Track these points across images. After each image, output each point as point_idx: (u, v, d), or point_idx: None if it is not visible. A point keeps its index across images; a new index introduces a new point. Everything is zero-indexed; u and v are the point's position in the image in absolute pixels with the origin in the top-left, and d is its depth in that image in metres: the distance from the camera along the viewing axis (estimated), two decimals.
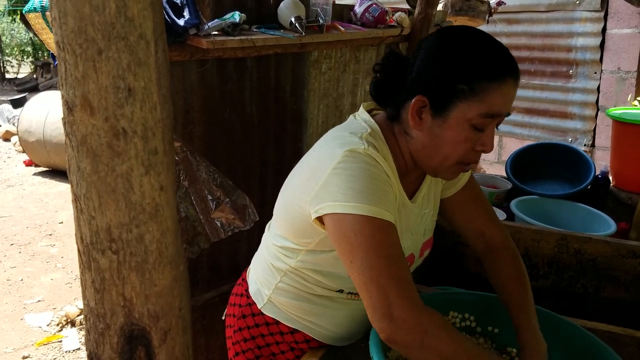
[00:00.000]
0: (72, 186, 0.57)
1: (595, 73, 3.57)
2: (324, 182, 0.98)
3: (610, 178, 2.28)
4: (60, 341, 3.13)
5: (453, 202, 1.27)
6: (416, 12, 2.62)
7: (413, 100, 1.02)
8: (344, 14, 2.53)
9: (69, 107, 0.53)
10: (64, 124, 0.55)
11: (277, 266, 1.19)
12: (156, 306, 0.59)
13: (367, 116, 1.11)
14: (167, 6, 1.87)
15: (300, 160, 1.15)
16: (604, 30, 3.47)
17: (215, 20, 1.96)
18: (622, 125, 2.25)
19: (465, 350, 0.93)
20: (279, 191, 1.23)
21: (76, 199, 0.57)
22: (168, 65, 0.56)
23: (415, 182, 1.17)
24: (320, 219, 1.01)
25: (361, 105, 1.16)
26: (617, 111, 2.35)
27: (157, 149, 0.55)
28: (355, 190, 0.95)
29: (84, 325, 3.21)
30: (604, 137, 3.56)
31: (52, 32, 1.80)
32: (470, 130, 1.01)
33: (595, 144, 3.65)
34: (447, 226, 1.90)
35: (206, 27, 1.90)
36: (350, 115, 1.16)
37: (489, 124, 1.02)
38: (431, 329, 0.92)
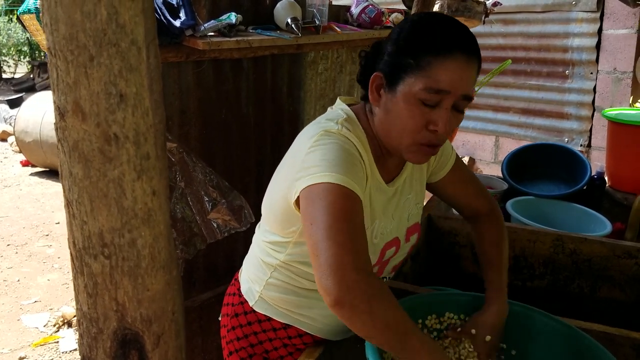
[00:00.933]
0: (64, 191, 0.57)
1: (592, 73, 3.58)
2: (301, 162, 1.01)
3: (606, 179, 2.29)
4: (57, 342, 3.13)
5: (442, 184, 1.32)
6: (412, 12, 2.62)
7: (371, 77, 1.08)
8: (340, 15, 2.54)
9: (60, 112, 0.53)
10: (56, 129, 0.55)
11: (267, 262, 1.20)
12: (149, 310, 0.59)
13: (343, 105, 1.16)
14: (163, 7, 1.87)
15: (285, 154, 1.18)
16: (599, 30, 3.48)
17: (211, 21, 1.96)
18: (617, 126, 2.26)
19: (408, 321, 0.92)
20: None
21: (68, 204, 0.57)
22: (160, 71, 0.56)
23: (396, 168, 1.20)
24: (298, 202, 1.02)
25: (337, 98, 1.20)
26: (613, 112, 2.36)
27: (149, 154, 0.55)
28: (326, 161, 0.98)
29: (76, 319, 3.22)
30: (600, 137, 3.57)
31: None
32: (418, 105, 1.02)
33: (592, 144, 3.66)
34: (443, 227, 1.91)
35: (202, 28, 1.90)
36: (329, 108, 1.20)
37: (438, 101, 1.02)
38: (380, 295, 0.90)
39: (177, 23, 1.86)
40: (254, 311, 1.25)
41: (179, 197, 2.03)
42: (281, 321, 1.23)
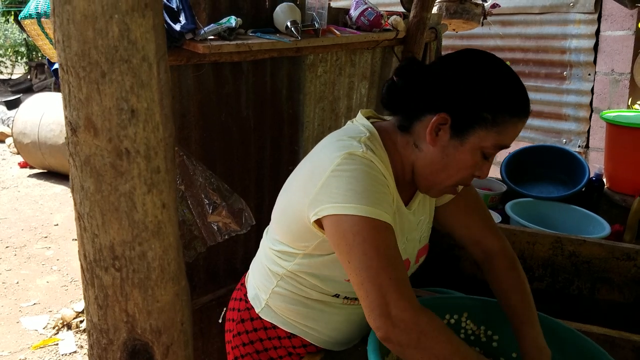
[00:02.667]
0: (75, 205, 0.58)
1: (589, 75, 3.59)
2: (322, 184, 0.99)
3: (605, 180, 2.30)
4: (57, 344, 3.13)
5: (447, 210, 1.28)
6: (411, 15, 2.63)
7: (436, 117, 1.04)
8: (339, 17, 2.54)
9: (72, 128, 0.54)
10: (68, 144, 0.56)
11: (274, 270, 1.20)
12: (158, 321, 0.60)
13: (365, 122, 1.13)
14: (163, 11, 1.87)
15: (298, 165, 1.16)
16: (597, 32, 3.49)
17: (211, 24, 1.97)
18: (616, 128, 2.27)
19: (460, 353, 0.94)
20: (275, 195, 1.24)
21: (79, 217, 0.58)
22: (170, 86, 0.57)
23: (410, 189, 1.19)
24: (319, 222, 1.02)
25: (359, 112, 1.17)
26: (611, 114, 2.37)
27: (159, 168, 0.56)
28: (354, 191, 0.96)
29: (80, 328, 3.21)
30: (598, 138, 3.58)
31: (47, 38, 1.80)
32: (480, 157, 1.05)
33: (590, 145, 3.67)
34: (442, 229, 1.92)
35: (202, 31, 1.90)
36: (348, 121, 1.17)
37: (494, 154, 1.07)
38: (428, 330, 0.92)
39: (178, 27, 1.86)
40: (260, 318, 1.25)
41: (180, 200, 2.03)
42: (286, 330, 1.23)
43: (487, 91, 1.03)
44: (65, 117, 0.54)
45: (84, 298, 0.61)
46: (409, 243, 1.18)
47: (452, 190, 1.12)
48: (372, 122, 1.14)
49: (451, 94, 1.04)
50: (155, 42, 0.53)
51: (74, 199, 0.57)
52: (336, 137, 1.09)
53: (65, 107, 0.54)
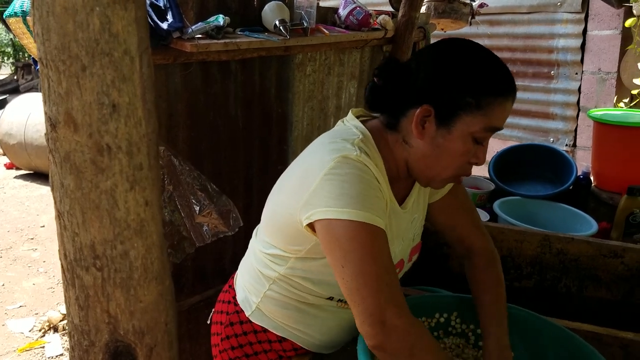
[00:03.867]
0: (55, 203, 0.56)
1: (577, 74, 3.61)
2: (315, 188, 0.98)
3: (592, 178, 2.31)
4: (43, 347, 3.09)
5: (437, 207, 1.28)
6: (400, 14, 2.63)
7: (419, 110, 1.03)
8: (328, 17, 2.53)
9: (52, 123, 0.53)
10: (47, 140, 0.55)
11: (266, 274, 1.18)
12: (141, 322, 0.59)
13: (357, 122, 1.11)
14: (150, 10, 1.85)
15: (289, 167, 1.15)
16: (584, 31, 3.51)
17: (199, 23, 1.95)
18: (603, 127, 2.29)
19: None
20: (264, 195, 1.21)
21: (59, 216, 0.56)
22: (153, 80, 0.56)
23: (405, 188, 1.18)
24: (311, 226, 1.00)
25: (350, 111, 1.15)
26: (598, 112, 2.38)
27: (142, 165, 0.54)
28: (347, 195, 0.95)
29: (67, 331, 3.17)
30: (585, 137, 3.61)
31: (33, 36, 1.77)
32: (471, 143, 1.04)
33: (577, 144, 3.70)
34: (431, 227, 1.91)
35: (190, 30, 1.89)
36: (339, 121, 1.16)
37: (486, 138, 1.05)
38: (420, 340, 0.93)
39: (165, 25, 1.84)
40: (250, 321, 1.23)
41: (167, 201, 2.01)
42: (277, 334, 1.21)
43: (465, 75, 1.01)
44: (45, 113, 0.53)
45: (65, 299, 0.60)
46: (405, 243, 1.18)
47: (455, 180, 1.11)
48: (363, 121, 1.13)
49: (430, 84, 1.03)
50: (138, 35, 0.52)
51: (53, 197, 0.56)
52: (328, 139, 1.07)
53: (44, 102, 0.53)
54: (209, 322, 1.38)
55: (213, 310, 1.38)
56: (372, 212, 0.95)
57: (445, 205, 1.27)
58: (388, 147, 1.10)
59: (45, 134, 0.55)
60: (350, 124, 1.12)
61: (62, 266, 0.60)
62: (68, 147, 0.53)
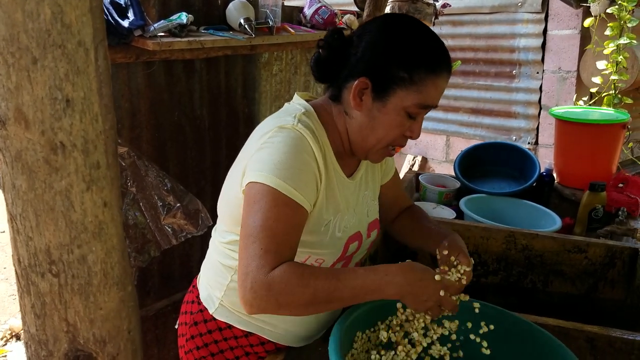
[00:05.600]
0: (7, 205, 0.53)
1: (538, 73, 3.69)
2: (251, 157, 1.03)
3: (555, 175, 2.36)
4: (5, 356, 2.98)
5: (386, 186, 1.36)
6: (365, 14, 2.64)
7: (356, 82, 1.06)
8: (293, 16, 2.52)
9: (1, 120, 0.49)
10: None
11: (228, 264, 1.17)
12: (102, 330, 0.56)
13: (301, 100, 1.15)
14: (110, 7, 1.80)
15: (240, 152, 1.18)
16: (545, 31, 3.59)
17: (162, 21, 1.91)
18: (564, 124, 2.33)
19: (323, 287, 0.94)
20: None
21: (12, 219, 0.52)
22: (110, 73, 0.53)
23: (355, 164, 1.22)
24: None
25: (295, 94, 1.19)
26: (560, 110, 2.43)
27: (99, 163, 0.51)
28: (272, 162, 0.99)
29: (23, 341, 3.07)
30: (547, 135, 3.69)
31: None
32: (405, 117, 1.07)
33: (539, 142, 3.78)
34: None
35: (152, 28, 1.84)
36: (285, 103, 1.19)
37: (420, 114, 1.09)
38: (281, 288, 0.92)
39: (126, 23, 1.79)
40: (214, 319, 1.21)
41: (131, 203, 1.96)
42: (242, 329, 1.20)
43: (399, 50, 1.05)
44: None
45: (20, 307, 0.56)
46: (358, 216, 1.20)
47: (387, 151, 1.14)
48: (308, 101, 1.16)
49: (367, 57, 1.06)
50: (93, 26, 0.49)
51: (5, 199, 0.52)
52: (272, 116, 1.13)
53: None
54: (176, 326, 1.35)
55: (179, 313, 1.35)
56: (288, 183, 0.98)
57: (392, 183, 1.36)
58: (332, 120, 1.14)
59: None
60: (294, 103, 1.16)
61: (16, 272, 0.56)
62: (19, 145, 0.50)
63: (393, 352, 1.12)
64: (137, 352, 0.60)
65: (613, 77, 3.11)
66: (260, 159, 1.01)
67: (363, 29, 1.11)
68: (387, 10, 2.90)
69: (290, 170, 0.99)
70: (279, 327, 1.19)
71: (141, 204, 1.97)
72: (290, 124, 1.04)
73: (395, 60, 1.04)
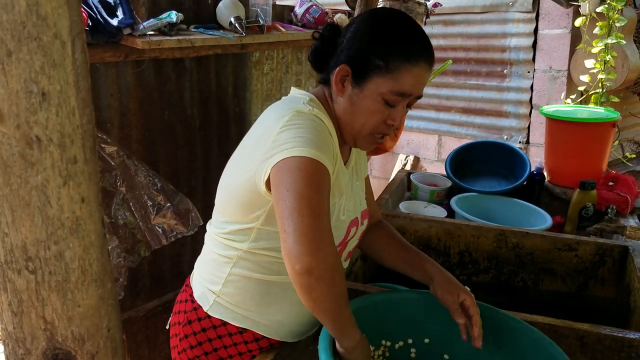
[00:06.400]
0: None
1: (529, 72, 3.70)
2: (273, 141, 1.03)
3: (545, 174, 2.36)
4: None
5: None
6: (355, 13, 2.63)
7: (337, 69, 1.11)
8: (284, 15, 2.51)
9: None
10: None
11: (227, 255, 1.17)
12: (81, 328, 0.55)
13: (301, 91, 1.19)
14: (99, 6, 1.79)
15: (242, 141, 1.19)
16: (535, 30, 3.60)
17: (151, 20, 1.90)
18: (555, 123, 2.34)
19: (345, 296, 1.02)
20: None
21: None
22: (88, 67, 0.52)
23: (346, 152, 1.25)
24: (269, 183, 1.04)
25: (292, 88, 1.22)
26: (550, 109, 2.44)
27: (76, 158, 0.50)
28: (302, 138, 1.01)
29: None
30: (538, 134, 3.69)
31: None
32: (382, 104, 1.10)
33: (530, 141, 3.78)
34: (391, 225, 1.91)
35: (141, 27, 1.83)
36: (283, 97, 1.21)
37: (399, 102, 1.11)
38: (340, 269, 1.00)
39: (115, 22, 1.78)
40: (209, 316, 1.21)
41: (120, 203, 1.95)
42: (237, 325, 1.19)
43: (377, 39, 1.09)
44: None
45: None
46: (354, 202, 1.24)
47: (374, 139, 1.16)
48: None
49: (349, 46, 1.12)
50: (70, 18, 0.48)
51: None
52: (277, 106, 1.14)
53: None
54: (167, 327, 1.34)
55: (172, 313, 1.34)
56: (321, 152, 1.01)
57: (367, 181, 1.38)
58: (330, 108, 1.17)
59: None
60: (294, 93, 1.19)
61: None
62: None
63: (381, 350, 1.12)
64: (118, 351, 0.59)
65: (601, 75, 3.12)
66: (285, 140, 1.02)
67: (352, 21, 1.17)
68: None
69: (320, 142, 1.03)
70: (274, 321, 1.19)
71: (131, 203, 1.96)
72: (306, 109, 1.07)
73: (373, 49, 1.09)
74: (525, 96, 3.75)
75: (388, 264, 1.35)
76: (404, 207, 2.16)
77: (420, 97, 1.14)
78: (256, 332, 1.20)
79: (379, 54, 1.08)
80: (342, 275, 1.01)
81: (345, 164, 1.22)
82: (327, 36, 1.18)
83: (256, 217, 1.12)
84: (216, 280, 1.20)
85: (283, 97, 1.21)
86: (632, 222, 2.00)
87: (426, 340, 1.22)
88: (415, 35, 1.11)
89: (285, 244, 0.96)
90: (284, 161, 1.00)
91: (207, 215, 2.17)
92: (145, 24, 1.85)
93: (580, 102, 3.31)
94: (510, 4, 3.66)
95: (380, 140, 1.17)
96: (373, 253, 1.39)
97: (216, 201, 1.23)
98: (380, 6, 2.83)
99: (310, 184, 0.98)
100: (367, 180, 1.40)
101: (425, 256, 1.29)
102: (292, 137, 1.02)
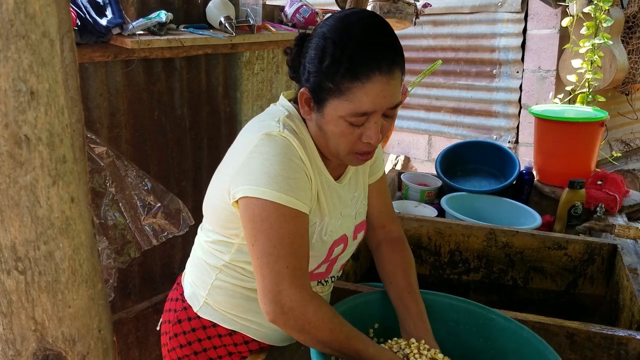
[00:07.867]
0: None
1: (518, 72, 3.73)
2: (240, 165, 1.01)
3: (534, 173, 2.38)
4: None
5: (373, 189, 1.30)
6: None
7: (299, 92, 1.05)
8: (274, 14, 2.51)
9: None
10: None
11: (212, 263, 1.16)
12: (71, 329, 0.54)
13: (285, 102, 1.13)
14: (88, 5, 1.78)
15: (228, 150, 1.16)
16: (524, 30, 3.63)
17: (140, 19, 1.89)
18: (544, 122, 2.36)
19: (340, 340, 0.99)
20: None
21: None
22: (77, 66, 0.52)
23: (342, 165, 1.18)
24: (237, 203, 1.03)
25: (281, 94, 1.16)
26: (539, 108, 2.46)
27: (65, 157, 0.50)
28: (267, 175, 0.97)
29: None
30: (527, 133, 3.72)
31: None
32: (346, 126, 1.01)
33: (519, 141, 3.81)
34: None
35: (130, 26, 1.82)
36: (272, 104, 1.18)
37: (365, 120, 1.00)
38: (314, 319, 0.97)
39: (104, 21, 1.77)
40: (199, 317, 1.20)
41: (110, 204, 1.93)
42: (227, 327, 1.19)
43: (324, 59, 0.98)
44: None
45: None
46: (345, 219, 1.17)
47: (356, 157, 1.06)
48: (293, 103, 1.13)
49: (306, 67, 1.03)
50: (58, 16, 0.47)
51: None
52: (257, 119, 1.11)
53: None
54: (158, 328, 1.33)
55: (163, 311, 1.34)
56: (290, 194, 0.98)
57: (375, 187, 1.29)
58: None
59: None
60: (279, 104, 1.14)
61: None
62: None
63: None
64: (109, 352, 0.59)
65: (588, 75, 3.15)
66: (252, 171, 0.99)
67: (313, 31, 1.05)
68: (368, 9, 2.90)
69: (288, 180, 0.98)
70: (263, 326, 1.18)
71: (121, 204, 1.94)
72: (276, 130, 1.01)
73: (323, 71, 0.99)
74: (514, 96, 3.78)
75: (388, 291, 1.24)
76: (394, 206, 2.16)
77: (395, 106, 1.02)
78: (246, 335, 1.19)
79: (328, 76, 0.98)
80: (319, 325, 0.97)
81: (339, 178, 1.16)
82: (295, 51, 1.08)
83: (235, 235, 1.10)
84: (203, 285, 1.19)
85: (266, 109, 1.15)
86: (620, 220, 2.02)
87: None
88: (364, 49, 0.96)
89: (258, 294, 1.00)
90: (249, 200, 0.98)
91: (197, 214, 2.16)
92: (134, 23, 1.84)
93: (568, 102, 3.34)
94: (499, 4, 3.68)
95: (367, 157, 1.07)
96: (379, 272, 1.28)
97: (203, 206, 1.21)
98: (369, 8, 2.83)
99: (271, 237, 0.97)
100: (381, 183, 1.30)
101: (422, 313, 1.17)
102: (258, 169, 0.98)
